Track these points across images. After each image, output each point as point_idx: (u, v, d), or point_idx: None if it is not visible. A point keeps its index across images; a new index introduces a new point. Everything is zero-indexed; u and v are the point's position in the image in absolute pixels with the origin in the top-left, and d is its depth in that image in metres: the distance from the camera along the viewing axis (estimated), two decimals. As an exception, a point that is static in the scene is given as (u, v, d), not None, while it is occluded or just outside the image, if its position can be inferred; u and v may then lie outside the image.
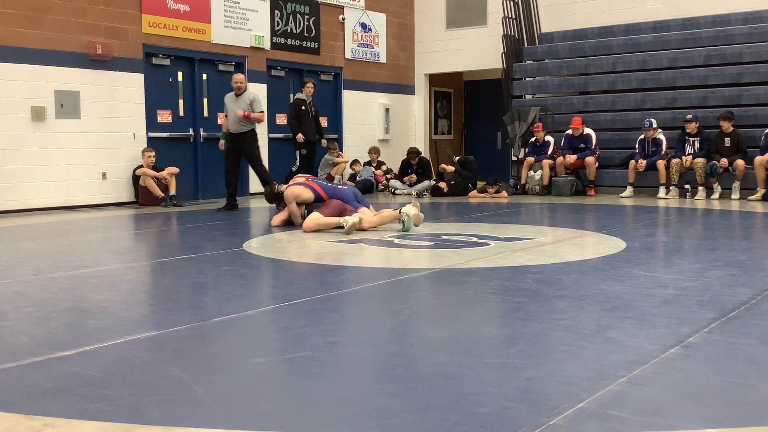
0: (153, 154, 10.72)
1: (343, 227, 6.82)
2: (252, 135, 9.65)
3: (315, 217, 7.06)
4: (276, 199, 7.82)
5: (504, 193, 11.76)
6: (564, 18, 14.26)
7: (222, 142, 9.91)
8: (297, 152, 11.39)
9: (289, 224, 7.57)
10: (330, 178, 12.04)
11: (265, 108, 9.75)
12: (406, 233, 6.86)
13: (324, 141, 11.59)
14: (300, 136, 11.15)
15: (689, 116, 11.21)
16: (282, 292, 4.44)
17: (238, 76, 9.79)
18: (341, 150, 13.70)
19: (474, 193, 12.00)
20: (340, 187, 7.68)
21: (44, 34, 9.89)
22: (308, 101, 11.38)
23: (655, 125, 11.48)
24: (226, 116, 9.75)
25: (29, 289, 4.50)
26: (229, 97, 9.71)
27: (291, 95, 12.93)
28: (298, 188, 7.51)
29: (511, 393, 2.48)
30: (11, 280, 4.76)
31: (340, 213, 7.17)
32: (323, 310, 3.78)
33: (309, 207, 7.41)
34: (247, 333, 3.44)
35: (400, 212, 6.99)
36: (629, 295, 4.01)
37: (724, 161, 10.70)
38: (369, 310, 3.95)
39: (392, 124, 15.24)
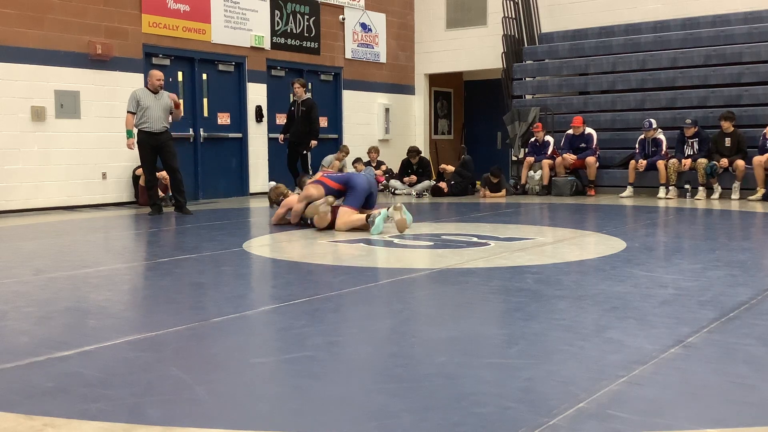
0: (153, 154, 10.68)
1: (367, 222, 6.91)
2: (170, 133, 9.30)
3: (345, 214, 7.11)
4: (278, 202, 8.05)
5: (503, 192, 11.77)
6: (564, 18, 14.26)
7: (131, 140, 9.11)
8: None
9: (288, 223, 7.59)
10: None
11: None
12: (378, 235, 6.73)
13: (314, 142, 11.51)
14: (280, 137, 11.80)
15: (688, 121, 11.20)
16: (282, 292, 4.44)
17: (161, 73, 9.26)
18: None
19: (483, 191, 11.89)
20: (354, 173, 7.54)
21: (44, 34, 9.89)
22: (297, 101, 11.48)
23: (655, 125, 11.47)
24: (133, 114, 9.00)
25: (29, 289, 4.50)
26: (145, 94, 9.05)
27: (291, 95, 12.92)
28: (310, 188, 7.50)
29: (511, 393, 2.48)
30: (11, 280, 4.75)
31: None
32: (323, 310, 3.78)
33: (334, 211, 7.25)
34: (247, 333, 3.44)
35: (368, 218, 6.94)
36: (629, 295, 4.01)
37: (724, 161, 10.69)
38: (369, 310, 3.94)
39: (392, 124, 15.23)
